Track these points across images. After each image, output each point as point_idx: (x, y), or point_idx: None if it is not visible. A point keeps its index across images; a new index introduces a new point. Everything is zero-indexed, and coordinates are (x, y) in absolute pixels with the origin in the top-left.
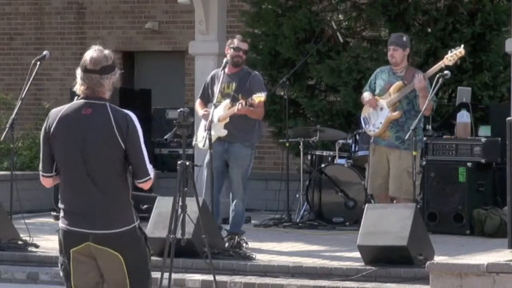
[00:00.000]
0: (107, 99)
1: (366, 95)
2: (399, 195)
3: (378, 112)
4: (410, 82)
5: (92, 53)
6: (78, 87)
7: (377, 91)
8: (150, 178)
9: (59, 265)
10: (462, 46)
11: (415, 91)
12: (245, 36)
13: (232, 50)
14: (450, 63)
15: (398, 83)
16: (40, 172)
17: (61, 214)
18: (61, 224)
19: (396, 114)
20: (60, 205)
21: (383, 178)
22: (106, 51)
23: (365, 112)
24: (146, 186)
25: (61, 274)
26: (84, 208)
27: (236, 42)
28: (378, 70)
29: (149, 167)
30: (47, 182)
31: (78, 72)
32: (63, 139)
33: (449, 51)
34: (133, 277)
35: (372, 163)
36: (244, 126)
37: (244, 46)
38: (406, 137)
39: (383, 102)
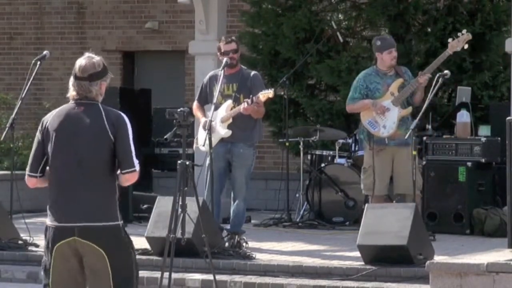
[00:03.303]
0: (98, 101)
1: (368, 102)
2: (412, 191)
3: (385, 114)
4: (405, 78)
5: (81, 61)
6: (70, 93)
7: (377, 94)
8: (135, 170)
9: (42, 264)
10: (465, 30)
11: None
12: (245, 36)
13: (221, 55)
14: (458, 49)
15: (399, 80)
16: (26, 172)
17: (48, 212)
18: (49, 222)
19: (408, 109)
20: (48, 205)
21: (388, 178)
22: (96, 58)
23: (368, 116)
24: (130, 178)
25: (42, 273)
26: (70, 202)
27: (222, 46)
28: (364, 74)
29: (135, 161)
30: (31, 182)
31: (71, 79)
32: (55, 133)
33: (451, 38)
34: (116, 279)
35: (377, 165)
36: (246, 126)
37: (231, 46)
38: (406, 137)
39: (386, 103)
